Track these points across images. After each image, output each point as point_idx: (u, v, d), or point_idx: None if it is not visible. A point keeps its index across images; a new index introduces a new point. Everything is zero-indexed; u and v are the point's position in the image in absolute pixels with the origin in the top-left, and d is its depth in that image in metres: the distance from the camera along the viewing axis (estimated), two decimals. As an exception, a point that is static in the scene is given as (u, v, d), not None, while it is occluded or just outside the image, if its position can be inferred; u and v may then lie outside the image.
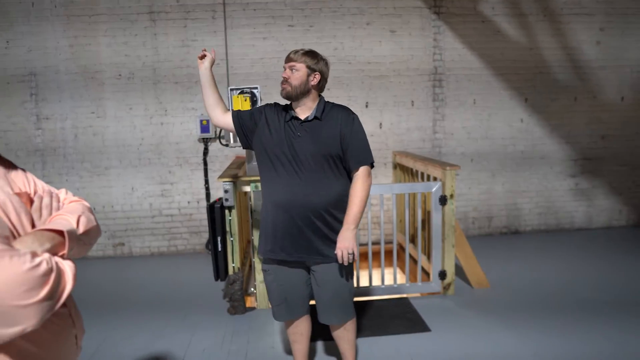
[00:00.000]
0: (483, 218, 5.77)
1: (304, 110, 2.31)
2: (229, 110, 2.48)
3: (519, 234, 5.80)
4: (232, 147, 4.09)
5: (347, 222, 2.27)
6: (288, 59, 2.29)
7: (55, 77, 5.08)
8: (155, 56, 5.17)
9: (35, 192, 1.19)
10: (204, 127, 5.17)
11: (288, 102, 2.38)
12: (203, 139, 5.27)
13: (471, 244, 4.47)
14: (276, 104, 2.43)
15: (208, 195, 5.31)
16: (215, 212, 3.62)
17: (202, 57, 2.48)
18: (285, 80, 2.27)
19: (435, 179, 3.99)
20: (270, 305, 3.60)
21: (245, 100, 3.78)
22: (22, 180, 1.19)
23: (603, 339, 3.07)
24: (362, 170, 2.31)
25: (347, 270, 2.40)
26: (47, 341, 1.04)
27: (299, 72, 2.25)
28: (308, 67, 2.27)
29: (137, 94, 5.18)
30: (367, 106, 5.34)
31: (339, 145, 2.28)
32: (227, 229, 3.66)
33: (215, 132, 5.21)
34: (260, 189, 3.59)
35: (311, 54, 2.29)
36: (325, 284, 2.38)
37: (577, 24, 5.60)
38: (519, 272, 4.40)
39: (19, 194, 1.12)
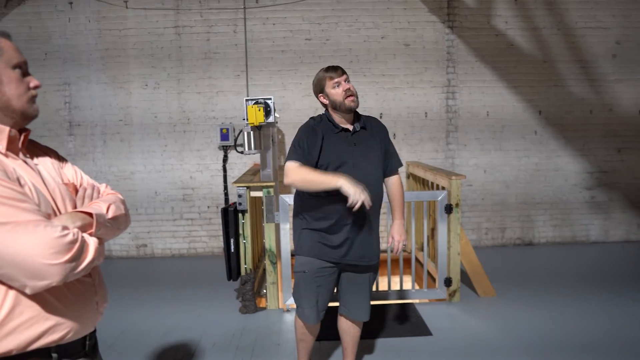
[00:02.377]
0: (496, 229, 5.82)
1: (348, 122, 2.46)
2: (303, 164, 2.34)
3: (532, 246, 5.82)
4: (247, 154, 4.30)
5: (398, 217, 2.61)
6: (333, 77, 2.35)
7: (87, 87, 5.42)
8: (180, 67, 5.46)
9: (80, 184, 1.46)
10: (224, 135, 5.41)
11: (319, 116, 2.51)
12: (223, 146, 5.51)
13: (484, 254, 4.55)
14: (314, 121, 2.47)
15: (227, 200, 5.54)
16: (229, 215, 3.82)
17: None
18: (350, 92, 2.36)
19: (442, 188, 4.10)
20: (282, 306, 3.81)
21: (260, 110, 4.00)
22: (72, 173, 1.47)
23: None
24: (398, 172, 2.63)
25: (377, 271, 2.66)
26: (69, 300, 1.28)
27: (351, 83, 2.44)
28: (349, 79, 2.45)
29: (162, 102, 5.48)
30: (381, 117, 5.49)
31: (383, 152, 2.51)
32: (241, 231, 3.86)
33: (234, 140, 5.45)
34: (272, 193, 3.80)
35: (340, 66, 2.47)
36: (364, 283, 2.57)
37: (593, 37, 5.64)
38: (528, 283, 4.42)
39: (67, 184, 1.39)
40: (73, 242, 1.17)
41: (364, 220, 2.40)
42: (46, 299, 1.21)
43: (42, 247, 1.11)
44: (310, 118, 2.53)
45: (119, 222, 1.43)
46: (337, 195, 2.34)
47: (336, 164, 2.37)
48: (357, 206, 2.13)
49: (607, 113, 5.76)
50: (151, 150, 5.51)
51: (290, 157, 2.35)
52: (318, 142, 2.36)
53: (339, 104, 2.37)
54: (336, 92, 2.37)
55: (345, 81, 2.38)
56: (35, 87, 1.32)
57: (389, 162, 2.57)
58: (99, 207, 1.36)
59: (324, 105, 2.47)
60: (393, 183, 2.62)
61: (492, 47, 5.59)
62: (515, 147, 5.73)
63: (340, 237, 2.40)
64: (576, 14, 5.58)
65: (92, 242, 1.25)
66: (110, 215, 1.37)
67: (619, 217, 5.91)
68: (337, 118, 2.44)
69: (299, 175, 2.28)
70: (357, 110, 2.50)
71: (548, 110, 5.71)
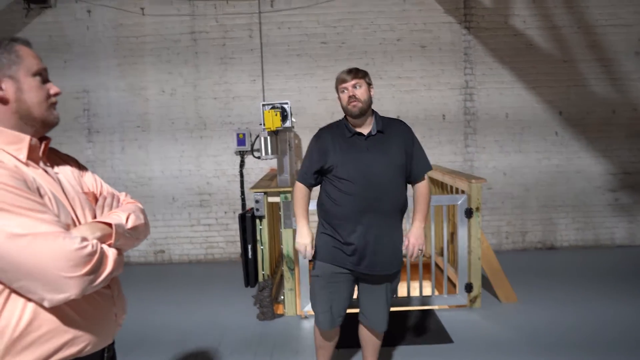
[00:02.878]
0: (517, 233, 5.71)
1: (366, 126, 2.42)
2: (308, 187, 2.54)
3: (554, 250, 5.69)
4: (264, 159, 4.29)
5: (419, 220, 2.52)
6: (344, 80, 2.37)
7: (105, 94, 5.48)
8: (196, 73, 5.48)
9: (100, 193, 1.45)
10: (241, 141, 5.41)
11: (338, 120, 2.53)
12: (239, 151, 5.52)
13: (504, 258, 4.46)
14: (324, 130, 2.51)
15: (244, 205, 5.54)
16: (247, 221, 3.81)
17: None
18: (354, 98, 2.35)
19: (462, 192, 4.04)
20: (300, 313, 3.78)
21: (276, 115, 3.98)
22: (92, 182, 1.46)
23: None
24: (426, 177, 2.54)
25: (397, 281, 2.58)
26: (87, 313, 1.26)
27: (362, 88, 2.38)
28: (366, 82, 2.41)
29: (178, 109, 5.50)
30: (398, 120, 5.44)
31: (404, 156, 2.42)
32: (258, 237, 3.85)
33: (251, 145, 5.45)
34: (289, 199, 3.78)
35: (362, 71, 2.43)
36: (380, 293, 2.51)
37: (614, 35, 5.51)
38: (551, 288, 4.33)
39: (86, 193, 1.38)
40: (92, 254, 1.16)
41: (378, 228, 2.35)
42: (64, 311, 1.20)
43: (61, 260, 1.10)
44: (325, 126, 2.56)
45: (139, 232, 1.42)
46: (348, 201, 2.34)
47: (345, 169, 2.35)
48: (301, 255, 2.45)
49: (630, 112, 5.61)
50: (169, 156, 5.54)
51: (298, 174, 2.57)
52: (322, 151, 2.42)
53: (344, 108, 2.40)
54: (343, 97, 2.40)
55: (353, 86, 2.36)
56: (56, 95, 1.32)
57: (413, 168, 2.47)
58: (118, 217, 1.35)
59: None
60: (417, 188, 2.54)
61: (510, 47, 5.50)
62: (535, 148, 5.62)
63: (351, 245, 2.37)
64: (597, 12, 5.46)
65: (111, 254, 1.24)
66: (129, 225, 1.36)
67: (645, 220, 5.75)
68: (352, 121, 2.43)
69: (294, 198, 2.57)
70: (379, 113, 2.49)
71: (569, 111, 5.59)
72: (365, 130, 2.41)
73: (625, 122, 5.62)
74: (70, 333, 1.21)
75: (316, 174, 2.47)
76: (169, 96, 5.50)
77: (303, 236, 2.49)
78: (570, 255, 5.44)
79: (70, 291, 1.12)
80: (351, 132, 2.41)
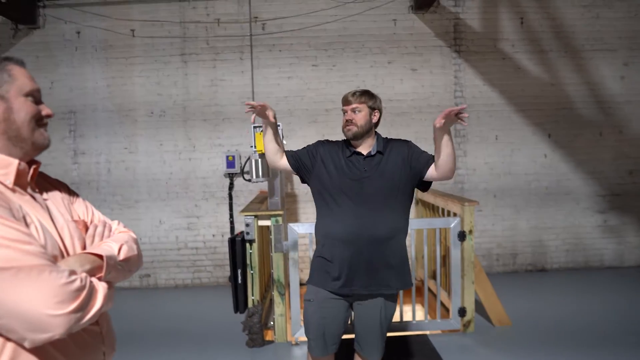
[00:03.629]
0: (507, 255, 5.69)
1: (366, 147, 2.39)
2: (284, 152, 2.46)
3: (545, 272, 5.67)
4: (254, 182, 4.23)
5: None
6: (347, 102, 2.36)
7: (92, 115, 5.41)
8: (186, 95, 5.45)
9: (91, 221, 1.37)
10: (230, 163, 5.35)
11: (340, 139, 2.49)
12: (229, 174, 5.45)
13: (495, 281, 4.42)
14: (328, 141, 2.50)
15: (232, 229, 5.45)
16: (237, 245, 3.73)
17: (257, 109, 2.23)
18: (350, 122, 2.34)
19: (454, 214, 4.01)
20: (291, 339, 3.68)
21: (268, 137, 3.93)
22: (82, 209, 1.38)
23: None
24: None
25: (393, 307, 2.46)
26: (73, 352, 1.16)
27: (361, 113, 2.35)
28: (369, 107, 2.37)
29: (167, 130, 5.44)
30: (388, 142, 5.43)
31: (405, 171, 2.32)
32: (248, 262, 3.76)
33: (240, 167, 5.39)
34: (280, 222, 3.72)
35: (368, 94, 2.39)
36: (374, 319, 2.42)
37: (600, 59, 5.62)
38: (543, 311, 4.30)
39: (76, 222, 1.30)
40: (80, 289, 1.07)
41: (371, 252, 2.28)
42: (47, 351, 1.10)
43: (46, 296, 1.01)
44: (330, 140, 2.53)
45: (131, 264, 1.33)
46: (341, 223, 2.29)
47: (337, 189, 2.31)
48: (251, 102, 2.20)
49: (617, 135, 5.68)
50: (156, 178, 5.46)
51: None
52: (312, 157, 2.40)
53: (342, 130, 2.40)
54: (343, 119, 2.39)
55: (352, 110, 2.35)
56: (48, 117, 1.25)
57: (425, 159, 2.31)
58: (109, 247, 1.26)
59: None
60: (437, 165, 2.28)
61: (499, 71, 5.56)
62: (525, 170, 5.64)
63: (339, 267, 2.30)
64: (582, 37, 5.57)
65: (101, 288, 1.16)
66: (122, 256, 1.27)
67: (634, 241, 5.77)
68: (356, 143, 2.40)
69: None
70: (382, 134, 2.46)
71: (557, 133, 5.64)
72: (364, 150, 2.37)
73: (612, 144, 5.68)
74: None
75: (298, 159, 2.41)
76: (157, 117, 5.44)
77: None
78: (560, 277, 5.42)
79: (55, 330, 1.03)
80: (350, 151, 2.38)
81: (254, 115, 2.26)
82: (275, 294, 3.74)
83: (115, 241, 1.30)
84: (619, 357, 3.33)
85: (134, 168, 5.44)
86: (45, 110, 1.25)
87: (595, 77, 5.63)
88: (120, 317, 4.20)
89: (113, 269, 1.23)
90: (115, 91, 5.41)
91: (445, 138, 2.19)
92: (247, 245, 3.75)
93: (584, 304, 4.45)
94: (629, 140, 5.69)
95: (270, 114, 2.26)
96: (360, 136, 2.36)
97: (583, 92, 5.63)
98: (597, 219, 5.73)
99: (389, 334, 3.72)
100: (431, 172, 2.34)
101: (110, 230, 1.38)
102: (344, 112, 2.38)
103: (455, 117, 2.11)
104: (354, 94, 2.37)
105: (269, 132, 2.38)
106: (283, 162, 2.44)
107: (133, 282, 5.47)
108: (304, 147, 2.48)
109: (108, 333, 1.32)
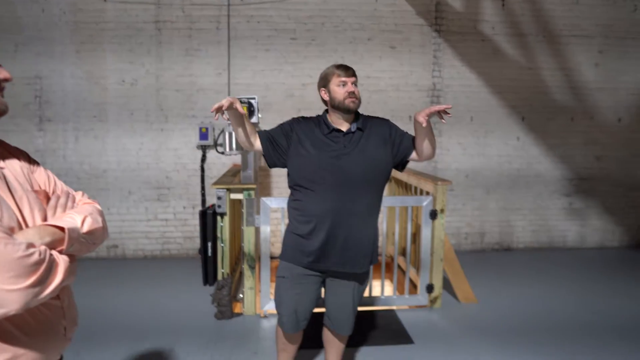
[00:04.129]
0: (476, 234, 5.81)
1: (346, 124, 2.33)
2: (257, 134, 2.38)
3: (511, 251, 5.82)
4: (227, 155, 4.16)
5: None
6: (349, 73, 2.29)
7: (59, 81, 5.20)
8: (159, 64, 5.28)
9: (53, 192, 1.30)
10: (203, 135, 5.25)
11: (314, 114, 2.43)
12: (202, 146, 5.36)
13: (463, 259, 4.52)
14: (303, 118, 2.42)
15: (204, 201, 5.38)
16: (207, 218, 3.68)
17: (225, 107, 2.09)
18: (353, 94, 2.27)
19: (427, 193, 4.04)
20: (260, 312, 3.69)
21: (243, 109, 3.85)
22: (44, 179, 1.31)
23: None
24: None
25: (365, 284, 2.50)
26: (31, 327, 1.12)
27: (357, 88, 2.32)
28: (356, 82, 2.35)
29: (139, 100, 5.29)
30: (364, 119, 5.42)
31: (386, 149, 2.32)
32: (219, 234, 3.73)
33: (214, 139, 5.30)
34: (253, 196, 3.68)
35: (352, 68, 2.35)
36: (346, 295, 2.44)
37: (576, 45, 5.68)
38: (508, 289, 4.42)
39: (37, 192, 1.24)
40: (39, 262, 1.03)
41: (349, 228, 2.28)
42: (3, 327, 1.06)
43: (1, 270, 0.96)
44: (305, 117, 2.45)
45: (95, 237, 1.28)
46: (320, 200, 2.25)
47: (317, 167, 2.26)
48: (216, 105, 2.04)
49: (588, 121, 5.80)
50: (126, 148, 5.32)
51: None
52: (288, 136, 2.33)
53: (338, 102, 2.28)
54: (339, 90, 2.28)
55: (352, 83, 2.29)
56: (5, 80, 1.17)
57: (408, 142, 2.34)
58: (72, 219, 1.21)
59: (324, 101, 2.37)
60: (418, 150, 2.34)
61: (478, 52, 5.57)
62: (497, 152, 5.72)
63: (316, 243, 2.28)
64: (561, 22, 5.61)
65: (62, 262, 1.11)
66: (85, 228, 1.22)
67: (596, 224, 5.96)
68: (333, 118, 2.34)
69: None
70: (360, 110, 2.40)
71: (531, 117, 5.72)
72: (344, 127, 2.32)
73: (583, 130, 5.80)
74: (9, 352, 1.07)
75: (273, 140, 2.33)
76: (129, 86, 5.28)
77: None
78: (525, 257, 5.58)
79: (10, 306, 0.99)
80: (329, 128, 2.31)
81: (224, 115, 2.14)
82: (245, 267, 3.72)
83: (78, 213, 1.25)
84: (576, 333, 3.46)
85: (103, 137, 5.29)
86: (2, 74, 1.17)
87: (571, 63, 5.70)
88: (85, 289, 4.15)
89: (76, 242, 1.18)
90: (85, 57, 5.20)
91: (427, 128, 2.20)
92: (219, 218, 3.71)
93: (546, 283, 4.59)
94: (599, 126, 5.82)
95: (238, 106, 2.14)
96: (355, 112, 2.33)
97: (558, 78, 5.70)
98: (563, 202, 5.88)
99: (358, 308, 3.79)
100: (412, 154, 2.37)
101: (73, 202, 1.33)
102: (342, 83, 2.28)
103: (438, 114, 2.12)
104: (348, 68, 2.31)
105: (240, 123, 2.25)
106: (257, 145, 2.36)
107: (100, 252, 5.37)
108: (278, 126, 2.39)
109: (69, 307, 1.28)
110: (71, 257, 1.17)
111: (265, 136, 2.35)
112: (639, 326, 3.58)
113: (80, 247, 1.21)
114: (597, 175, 5.89)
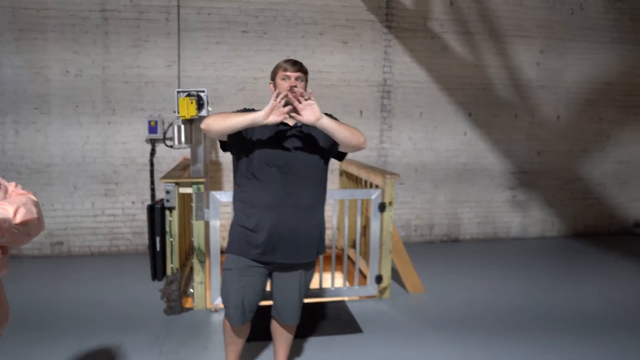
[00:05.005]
0: (425, 226, 5.98)
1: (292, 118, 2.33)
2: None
3: (458, 242, 6.04)
4: (176, 148, 4.10)
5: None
6: (294, 68, 2.28)
7: (-3, 70, 4.95)
8: (106, 55, 5.11)
9: None
10: (152, 128, 5.14)
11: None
12: (150, 139, 5.24)
13: (412, 251, 4.65)
14: (254, 110, 2.36)
15: (153, 196, 5.27)
16: (155, 212, 3.62)
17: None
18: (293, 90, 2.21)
19: (376, 186, 4.13)
20: (210, 306, 3.68)
21: (192, 102, 3.81)
22: None
23: (529, 349, 3.25)
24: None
25: (311, 274, 2.53)
26: None
27: (302, 83, 2.31)
28: (306, 80, 2.35)
29: (84, 91, 5.10)
30: (317, 114, 5.45)
31: (329, 143, 2.34)
32: (167, 229, 3.67)
33: (163, 133, 5.20)
34: (202, 190, 3.65)
35: (305, 69, 2.35)
36: (293, 285, 2.47)
37: (520, 45, 5.93)
38: (454, 279, 4.59)
39: None
40: None
41: (295, 219, 2.32)
42: None
43: None
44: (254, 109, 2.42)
45: (30, 228, 1.25)
46: (266, 192, 2.27)
47: (262, 157, 2.28)
48: (281, 96, 2.07)
49: (530, 117, 6.08)
50: (71, 142, 5.12)
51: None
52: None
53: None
54: (282, 84, 2.29)
55: (296, 79, 2.29)
56: None
57: (335, 142, 2.35)
58: (4, 210, 1.18)
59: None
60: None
61: (427, 49, 5.72)
62: (445, 147, 5.91)
63: (263, 235, 2.30)
64: (506, 22, 5.84)
65: None
66: (18, 219, 1.19)
67: (537, 215, 6.27)
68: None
69: (217, 117, 2.22)
70: None
71: (477, 113, 5.93)
72: (290, 121, 2.33)
73: (525, 126, 6.08)
74: None
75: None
76: (73, 77, 5.08)
77: (258, 113, 2.15)
78: (471, 248, 5.81)
79: None
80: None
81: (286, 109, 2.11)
82: (195, 261, 3.69)
83: (10, 204, 1.22)
84: (520, 321, 3.64)
85: (45, 130, 5.07)
86: None
87: (514, 61, 5.95)
88: (28, 287, 4.00)
89: (7, 233, 1.15)
90: (25, 45, 4.96)
91: (328, 126, 2.17)
92: (167, 212, 3.66)
93: (491, 273, 4.80)
94: (540, 123, 6.11)
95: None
96: None
97: (502, 75, 5.94)
98: (507, 195, 6.15)
99: (308, 300, 3.84)
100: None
101: (6, 192, 1.29)
102: (285, 77, 2.29)
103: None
104: (295, 62, 2.32)
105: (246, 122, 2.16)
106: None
107: (44, 249, 5.17)
108: (231, 113, 2.38)
109: (0, 302, 1.25)
110: (3, 249, 1.14)
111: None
112: (580, 313, 3.80)
113: (12, 238, 1.18)
114: (538, 169, 6.19)
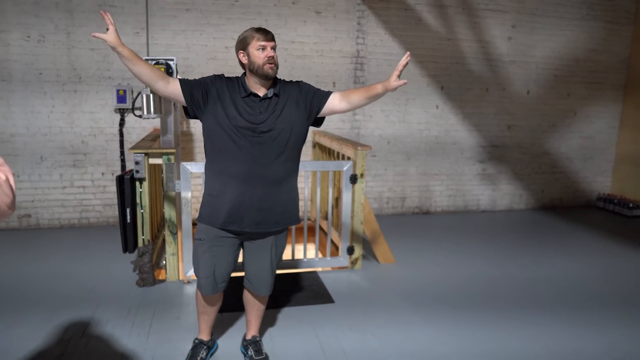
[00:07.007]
0: (397, 198, 6.08)
1: (263, 89, 2.31)
2: (173, 78, 2.31)
3: (429, 215, 6.17)
4: (145, 118, 4.00)
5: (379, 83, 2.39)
6: (268, 38, 2.26)
7: (-47, 34, 4.69)
8: (70, 20, 4.91)
9: None
10: (121, 97, 5.01)
11: (234, 75, 2.39)
12: (119, 109, 5.10)
13: (384, 222, 4.73)
14: (225, 77, 2.37)
15: (123, 167, 5.18)
16: (125, 183, 3.56)
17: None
18: (272, 60, 2.24)
19: (348, 158, 4.15)
20: (183, 278, 3.68)
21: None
22: None
23: (495, 317, 3.39)
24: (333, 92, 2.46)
25: (282, 244, 2.55)
26: None
27: (276, 53, 2.29)
28: (275, 47, 2.31)
29: (47, 58, 4.90)
30: (290, 85, 5.40)
31: (302, 111, 2.34)
32: (138, 200, 3.63)
33: (132, 102, 5.07)
34: (173, 161, 3.60)
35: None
36: (264, 255, 2.48)
37: (492, 19, 5.96)
38: (425, 250, 4.69)
39: None
40: None
41: (264, 189, 2.32)
42: None
43: None
44: (225, 75, 2.40)
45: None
46: (234, 162, 2.28)
47: (231, 127, 2.25)
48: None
49: (500, 92, 6.17)
50: (35, 111, 4.95)
51: None
52: (206, 90, 2.30)
53: (256, 67, 2.24)
54: (258, 54, 2.24)
55: (271, 48, 2.26)
56: None
57: (323, 94, 2.42)
58: None
59: (242, 64, 2.33)
60: (347, 92, 2.44)
61: (401, 21, 5.69)
62: (418, 120, 5.96)
63: (229, 204, 2.31)
64: (478, -5, 5.85)
65: None
66: None
67: (505, 188, 6.44)
68: (251, 82, 2.31)
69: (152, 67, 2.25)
70: (283, 76, 2.40)
71: (449, 86, 5.98)
72: (261, 92, 2.31)
73: (496, 100, 6.17)
74: None
75: (190, 92, 2.27)
76: (35, 43, 4.87)
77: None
78: (442, 220, 5.94)
79: None
80: (246, 91, 2.29)
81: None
82: (167, 233, 3.67)
83: None
84: (487, 292, 3.78)
85: (7, 98, 4.87)
86: None
87: (487, 35, 5.99)
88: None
89: None
90: (-18, 8, 4.72)
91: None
92: (137, 183, 3.61)
93: (461, 244, 4.93)
94: (510, 97, 6.21)
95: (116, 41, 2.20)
96: (273, 78, 2.32)
97: (475, 49, 5.98)
98: (477, 168, 6.28)
99: (280, 271, 3.88)
100: (333, 105, 2.41)
101: None
102: (262, 47, 2.24)
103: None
104: (268, 32, 2.28)
105: (134, 57, 2.20)
106: (174, 89, 2.26)
107: (10, 222, 5.04)
108: (199, 79, 2.34)
109: None
110: None
111: (185, 83, 2.29)
112: (548, 285, 3.92)
113: None
114: (508, 143, 6.33)
